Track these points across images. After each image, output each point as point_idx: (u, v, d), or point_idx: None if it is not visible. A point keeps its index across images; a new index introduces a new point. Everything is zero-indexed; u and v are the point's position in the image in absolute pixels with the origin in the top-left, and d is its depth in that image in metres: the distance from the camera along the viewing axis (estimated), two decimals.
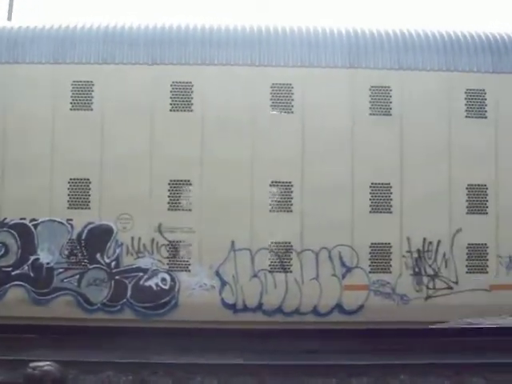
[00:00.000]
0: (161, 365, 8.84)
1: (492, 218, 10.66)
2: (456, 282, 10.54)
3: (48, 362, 3.94)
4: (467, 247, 10.60)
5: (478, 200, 10.69)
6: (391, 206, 10.53)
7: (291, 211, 10.40)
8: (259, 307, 10.30)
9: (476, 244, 10.62)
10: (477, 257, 10.64)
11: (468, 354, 9.71)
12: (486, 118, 10.79)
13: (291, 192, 10.44)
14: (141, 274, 10.26)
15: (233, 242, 10.28)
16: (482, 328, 11.06)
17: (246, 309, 10.30)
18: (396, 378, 8.69)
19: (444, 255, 10.54)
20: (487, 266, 10.64)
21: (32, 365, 3.90)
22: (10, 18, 19.54)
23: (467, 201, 10.66)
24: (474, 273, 10.61)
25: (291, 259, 10.38)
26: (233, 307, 10.29)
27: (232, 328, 10.19)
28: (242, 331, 10.20)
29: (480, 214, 10.67)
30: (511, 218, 10.64)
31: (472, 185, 10.67)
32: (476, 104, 10.79)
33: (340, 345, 10.13)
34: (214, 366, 8.82)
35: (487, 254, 10.63)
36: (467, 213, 10.64)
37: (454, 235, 10.56)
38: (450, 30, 11.18)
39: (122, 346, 9.79)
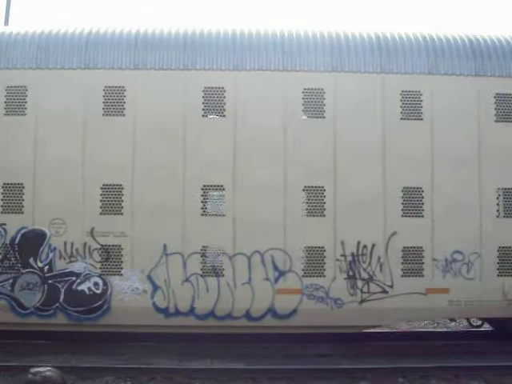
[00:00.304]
0: (160, 370, 8.93)
1: (428, 221, 10.55)
2: (391, 286, 10.44)
3: (48, 368, 3.93)
4: (402, 250, 10.50)
5: (413, 203, 10.59)
6: (325, 209, 10.47)
7: (223, 215, 10.37)
8: (191, 311, 10.28)
9: (411, 247, 10.52)
10: (412, 260, 10.54)
11: (467, 357, 9.78)
12: (421, 119, 10.69)
13: (223, 196, 10.41)
14: (73, 278, 10.28)
15: (165, 246, 10.28)
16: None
17: (178, 313, 10.28)
18: (395, 382, 8.77)
19: (379, 259, 10.46)
20: (423, 269, 10.54)
21: (33, 370, 3.89)
22: (7, 23, 19.71)
23: (402, 204, 10.56)
24: (409, 276, 10.51)
25: (223, 263, 10.35)
26: (165, 311, 10.28)
27: (230, 333, 10.32)
28: (240, 336, 10.37)
29: (416, 216, 10.57)
30: (447, 221, 10.54)
31: (407, 187, 10.58)
32: (411, 106, 10.70)
33: (338, 349, 10.32)
34: (214, 371, 8.93)
35: (423, 257, 10.53)
36: (402, 216, 10.54)
37: (389, 238, 10.47)
38: (387, 32, 11.09)
39: (120, 351, 9.92)
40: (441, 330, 12.77)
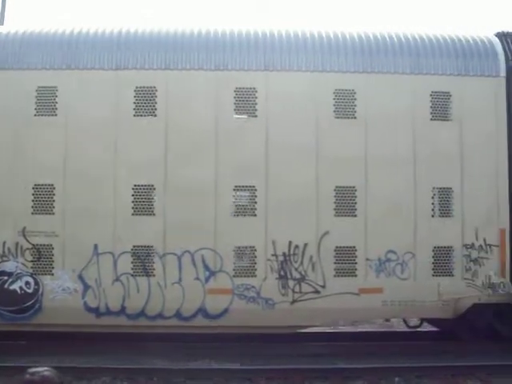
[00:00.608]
0: (156, 370, 8.96)
1: (361, 221, 10.47)
2: (323, 286, 10.37)
3: (46, 368, 3.96)
4: (335, 250, 10.43)
5: (346, 202, 10.51)
6: (256, 208, 10.42)
7: (154, 214, 10.36)
8: (122, 311, 10.28)
9: (344, 247, 10.44)
10: (345, 260, 10.46)
11: (463, 357, 9.77)
12: (355, 118, 10.60)
13: (154, 195, 10.39)
14: (5, 277, 10.31)
15: (96, 246, 10.28)
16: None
17: (109, 312, 10.28)
18: (391, 381, 8.78)
19: (311, 258, 10.38)
20: (356, 269, 10.46)
21: (30, 370, 3.93)
22: (2, 23, 19.87)
23: (335, 203, 10.49)
24: (342, 276, 10.43)
25: (154, 263, 10.33)
26: (96, 311, 10.28)
27: (228, 332, 10.36)
28: (238, 336, 10.42)
29: (349, 216, 10.49)
30: (381, 221, 10.45)
31: (340, 187, 10.49)
32: (345, 104, 10.61)
33: (334, 348, 10.37)
34: (210, 371, 8.97)
35: (356, 257, 10.45)
36: (335, 215, 10.46)
37: (322, 238, 10.40)
38: (322, 30, 11.01)
39: (117, 351, 9.95)
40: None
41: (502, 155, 10.74)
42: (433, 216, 10.60)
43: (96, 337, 10.54)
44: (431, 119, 10.66)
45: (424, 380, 8.87)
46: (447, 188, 10.64)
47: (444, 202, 10.65)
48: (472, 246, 10.60)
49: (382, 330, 12.61)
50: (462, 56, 10.87)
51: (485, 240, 10.63)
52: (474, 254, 10.61)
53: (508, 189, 10.72)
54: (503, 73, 10.88)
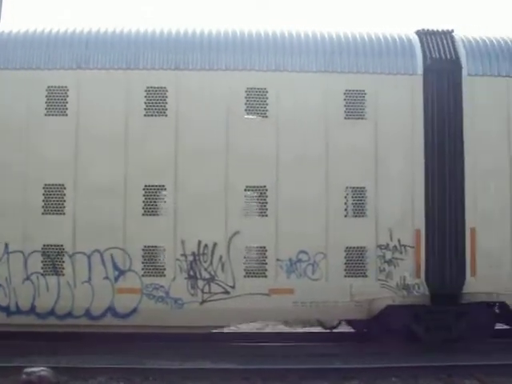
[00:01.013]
0: (153, 370, 8.98)
1: (272, 221, 10.38)
2: (233, 286, 10.30)
3: (42, 368, 3.95)
4: (245, 250, 10.35)
5: (257, 202, 10.44)
6: (165, 208, 10.39)
7: (64, 213, 10.37)
8: (32, 310, 10.29)
9: (254, 247, 10.37)
10: (255, 260, 10.39)
11: (460, 356, 9.77)
12: (267, 117, 10.52)
13: (64, 194, 10.40)
14: None
15: (6, 245, 10.32)
16: None
17: (19, 311, 10.31)
18: (387, 381, 8.77)
19: (220, 258, 10.32)
20: (266, 269, 10.37)
21: (27, 371, 3.92)
22: None
23: (246, 202, 10.41)
24: (252, 277, 10.35)
25: (63, 262, 10.34)
26: (6, 310, 10.30)
27: (224, 332, 10.45)
28: (234, 335, 10.55)
29: (259, 216, 10.41)
30: (292, 221, 10.35)
31: (249, 186, 10.42)
32: (257, 103, 10.52)
33: (331, 348, 10.44)
34: (207, 371, 8.95)
35: (266, 257, 10.36)
36: (245, 215, 10.39)
37: (231, 238, 10.33)
38: (237, 29, 10.94)
39: (113, 351, 10.00)
40: None
41: (418, 155, 10.59)
42: (346, 216, 10.47)
43: (92, 337, 10.62)
44: (345, 118, 10.54)
45: (420, 380, 8.83)
46: (361, 188, 10.50)
47: (357, 202, 10.51)
48: (386, 246, 10.46)
49: None
50: (378, 54, 10.73)
51: (399, 241, 10.48)
52: (389, 255, 10.46)
53: (424, 189, 10.56)
54: (420, 71, 10.73)
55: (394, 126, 10.57)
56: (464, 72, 10.82)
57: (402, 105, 10.61)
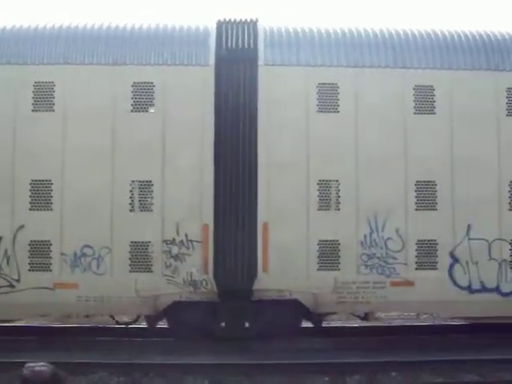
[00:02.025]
0: (153, 365, 9.01)
1: (57, 215, 10.31)
2: (18, 280, 10.28)
3: (43, 363, 4.16)
4: (30, 244, 10.30)
5: (40, 196, 10.34)
6: None
7: None
8: None
9: (39, 241, 10.28)
10: (40, 254, 10.32)
11: (461, 351, 9.76)
12: (53, 111, 10.43)
13: None
14: None
15: None
16: None
17: None
18: (387, 376, 8.79)
19: (6, 252, 10.31)
20: (51, 263, 10.30)
21: (28, 365, 4.14)
22: None
23: (31, 197, 10.34)
24: (37, 271, 10.31)
25: None
26: None
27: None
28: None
29: (44, 210, 10.31)
30: (77, 215, 10.25)
31: (36, 180, 10.35)
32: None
33: (332, 343, 10.42)
34: (206, 366, 8.99)
35: (51, 251, 10.30)
36: (30, 209, 10.34)
37: (17, 232, 10.31)
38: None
39: (113, 347, 10.17)
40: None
41: (207, 148, 10.34)
42: (131, 210, 10.32)
43: (92, 332, 10.89)
44: (132, 111, 10.37)
45: (421, 375, 8.80)
46: (147, 181, 10.33)
47: (143, 196, 10.34)
48: (173, 241, 10.26)
49: (382, 324, 12.73)
50: (169, 44, 10.52)
51: (187, 236, 10.27)
52: (175, 250, 10.27)
53: (213, 183, 10.31)
54: (212, 61, 10.45)
55: (184, 118, 10.34)
56: (260, 61, 10.50)
57: (192, 96, 10.36)
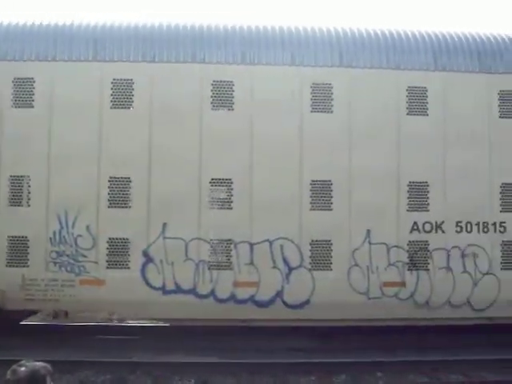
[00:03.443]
0: (140, 364, 9.10)
1: None
2: None
3: (34, 361, 4.07)
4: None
5: None
6: None
7: None
8: None
9: None
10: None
11: (446, 351, 10.01)
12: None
13: None
14: None
15: None
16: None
17: None
18: (373, 376, 8.93)
19: None
20: None
21: (18, 364, 4.05)
22: None
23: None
24: None
25: None
26: None
27: (210, 326, 10.62)
28: (219, 329, 10.68)
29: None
30: None
31: None
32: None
33: (319, 343, 10.68)
34: (193, 365, 9.06)
35: None
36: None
37: None
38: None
39: (100, 345, 10.28)
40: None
41: None
42: None
43: (78, 331, 11.06)
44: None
45: (406, 375, 8.93)
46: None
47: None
48: None
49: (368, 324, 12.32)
50: None
51: None
52: None
53: None
54: None
55: None
56: None
57: None
